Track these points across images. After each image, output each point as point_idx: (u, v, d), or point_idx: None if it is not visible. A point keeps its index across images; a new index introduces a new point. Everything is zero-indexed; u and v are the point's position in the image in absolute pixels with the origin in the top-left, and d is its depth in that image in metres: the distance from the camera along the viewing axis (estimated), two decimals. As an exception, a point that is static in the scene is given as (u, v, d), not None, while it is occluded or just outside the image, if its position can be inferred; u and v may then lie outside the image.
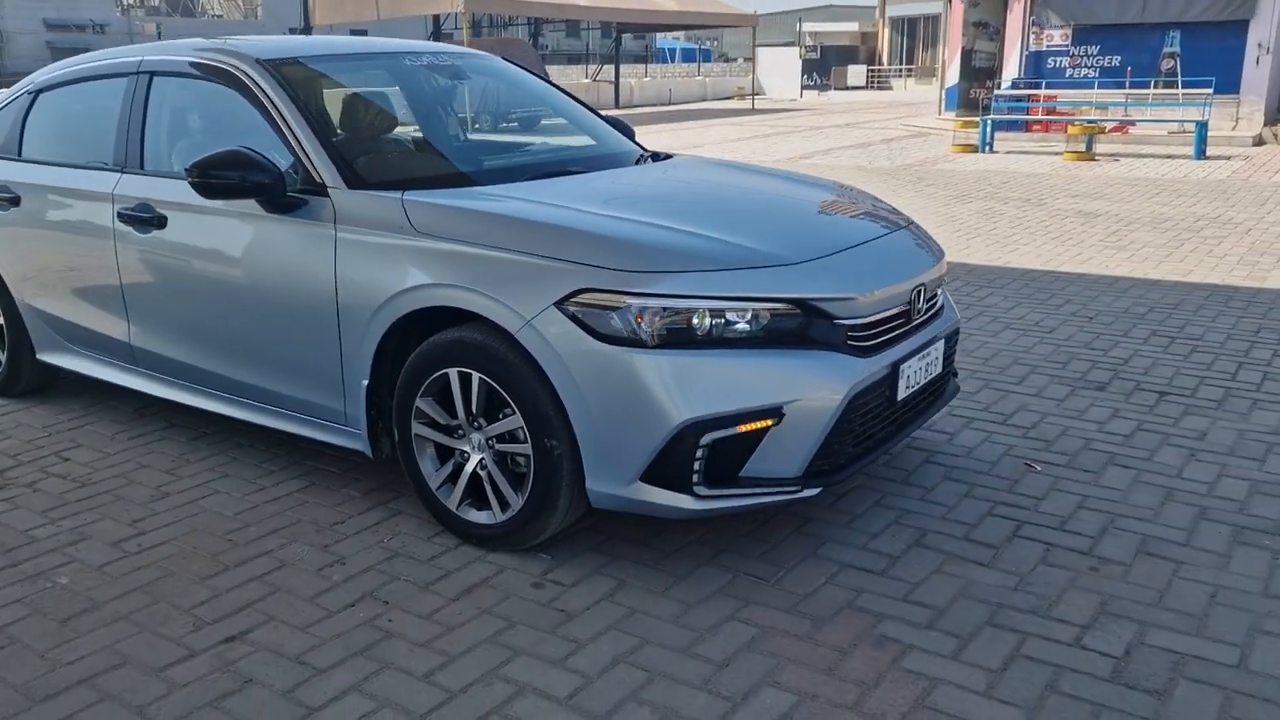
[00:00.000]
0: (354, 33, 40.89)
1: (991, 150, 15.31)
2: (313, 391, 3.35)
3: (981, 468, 3.66)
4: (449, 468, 3.12)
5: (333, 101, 3.76)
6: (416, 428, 3.12)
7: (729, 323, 2.77)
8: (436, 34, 26.57)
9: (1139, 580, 2.87)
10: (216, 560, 3.07)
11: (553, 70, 46.28)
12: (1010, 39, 18.39)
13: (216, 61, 3.61)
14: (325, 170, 3.25)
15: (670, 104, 32.88)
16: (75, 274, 4.02)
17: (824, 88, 38.44)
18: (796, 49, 38.02)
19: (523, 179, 3.48)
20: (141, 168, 3.80)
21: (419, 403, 3.08)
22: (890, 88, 38.11)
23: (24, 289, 4.28)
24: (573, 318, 2.74)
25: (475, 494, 3.09)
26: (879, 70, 39.12)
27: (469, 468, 3.06)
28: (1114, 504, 3.35)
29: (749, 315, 2.78)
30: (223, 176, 3.20)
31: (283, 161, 3.31)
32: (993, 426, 4.06)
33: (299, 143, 3.31)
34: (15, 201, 4.19)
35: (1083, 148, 14.05)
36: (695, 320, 2.74)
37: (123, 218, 3.74)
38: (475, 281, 2.87)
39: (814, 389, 2.79)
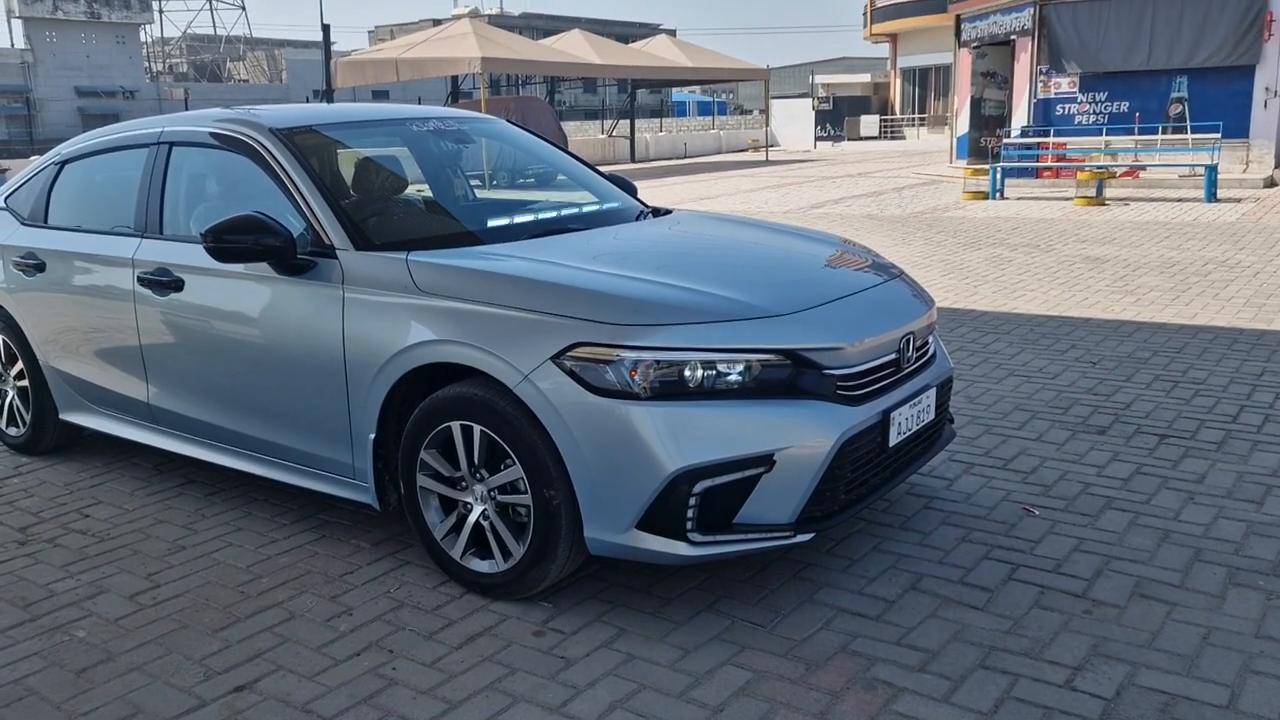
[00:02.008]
0: (375, 94, 41.79)
1: (1002, 197, 15.43)
2: (322, 446, 3.45)
3: (980, 512, 3.71)
4: (453, 519, 3.20)
5: (343, 166, 3.92)
6: (421, 480, 3.21)
7: (720, 374, 2.86)
8: (455, 94, 27.14)
9: (1132, 622, 2.90)
10: (228, 612, 3.15)
11: (570, 126, 46.99)
12: (1019, 87, 18.62)
13: (232, 131, 3.78)
14: (334, 233, 3.39)
15: (685, 157, 33.30)
16: (97, 336, 4.17)
17: (837, 138, 38.82)
18: (810, 100, 38.47)
19: (524, 237, 3.61)
20: (161, 233, 3.96)
21: (423, 455, 3.18)
22: (903, 137, 38.44)
23: (48, 351, 4.43)
24: (568, 371, 2.84)
25: (478, 544, 3.17)
26: (892, 120, 39.52)
27: (472, 518, 3.14)
28: (1110, 547, 3.39)
29: (739, 366, 2.87)
30: (236, 241, 3.34)
31: (295, 225, 3.45)
32: (992, 471, 4.11)
33: (309, 207, 3.46)
34: (41, 267, 4.37)
35: (1093, 193, 14.14)
36: (687, 372, 2.83)
37: (142, 281, 3.89)
38: (475, 338, 2.99)
39: (804, 437, 2.87)
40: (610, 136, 33.45)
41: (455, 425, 3.08)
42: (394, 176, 4.13)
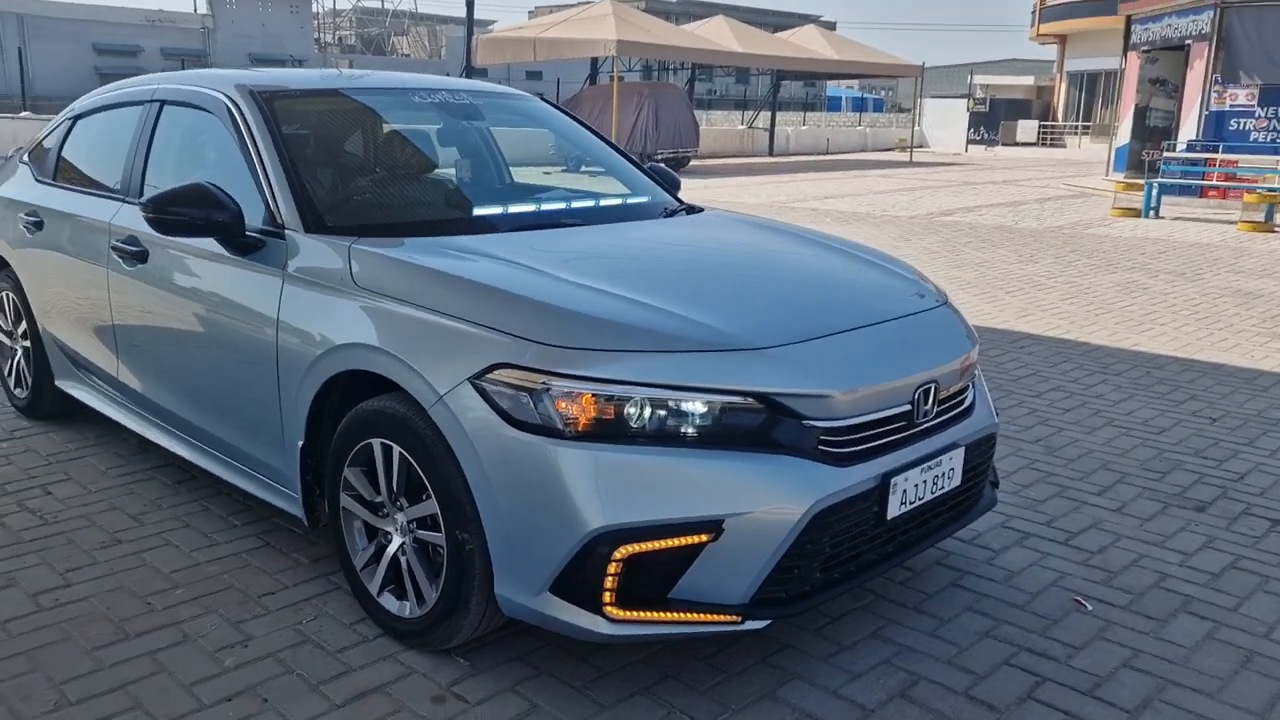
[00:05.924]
0: (530, 75, 42.08)
1: (1156, 215, 14.09)
2: (257, 446, 3.10)
3: (1017, 599, 3.06)
4: (373, 548, 2.79)
5: (325, 138, 3.54)
6: (344, 499, 2.81)
7: (670, 415, 2.33)
8: (594, 76, 26.92)
9: (1176, 780, 2.25)
10: (120, 627, 2.82)
11: (717, 115, 46.32)
12: (1189, 97, 17.03)
13: (213, 90, 3.45)
14: (286, 210, 3.01)
15: (827, 153, 32.24)
16: (79, 302, 3.94)
17: (991, 142, 36.84)
18: (965, 100, 36.67)
19: (504, 230, 3.15)
20: (140, 198, 3.67)
21: (346, 473, 2.78)
22: (1064, 145, 36.17)
23: (44, 314, 4.25)
24: (486, 397, 2.36)
25: (396, 581, 2.74)
26: (1053, 126, 37.26)
27: (390, 550, 2.72)
28: (1171, 666, 2.70)
29: (697, 408, 2.34)
30: (179, 213, 3.00)
31: (256, 199, 3.08)
32: (1050, 546, 3.43)
33: (266, 178, 3.09)
34: (40, 225, 4.17)
35: (1260, 217, 12.73)
36: (629, 410, 2.32)
37: (115, 249, 3.62)
38: (396, 345, 2.55)
39: (766, 501, 2.32)
40: (750, 128, 32.65)
41: (376, 443, 2.66)
42: (370, 153, 3.71)
